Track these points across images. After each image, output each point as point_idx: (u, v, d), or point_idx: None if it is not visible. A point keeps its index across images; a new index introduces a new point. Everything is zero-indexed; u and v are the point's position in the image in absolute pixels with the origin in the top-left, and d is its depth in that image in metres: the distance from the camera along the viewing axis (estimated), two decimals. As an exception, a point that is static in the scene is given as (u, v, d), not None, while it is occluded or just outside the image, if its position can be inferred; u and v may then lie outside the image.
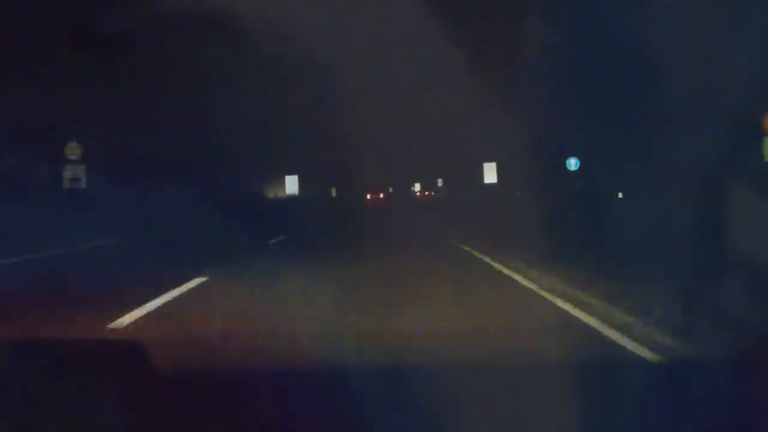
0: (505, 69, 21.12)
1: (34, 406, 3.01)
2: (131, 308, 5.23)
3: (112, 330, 4.61)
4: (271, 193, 37.99)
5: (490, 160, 37.47)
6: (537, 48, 18.65)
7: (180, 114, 21.32)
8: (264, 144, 30.34)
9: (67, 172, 18.11)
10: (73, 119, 18.05)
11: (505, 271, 7.33)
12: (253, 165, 31.06)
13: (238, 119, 25.23)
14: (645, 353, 3.78)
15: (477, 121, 35.03)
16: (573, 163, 22.99)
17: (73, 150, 18.16)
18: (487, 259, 8.46)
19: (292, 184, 39.93)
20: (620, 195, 19.32)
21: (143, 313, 5.14)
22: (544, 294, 5.76)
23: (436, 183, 56.34)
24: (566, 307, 5.16)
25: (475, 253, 9.31)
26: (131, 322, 4.82)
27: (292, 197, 38.52)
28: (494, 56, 22.26)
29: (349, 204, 39.48)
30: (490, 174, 37.73)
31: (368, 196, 53.45)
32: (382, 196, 58.57)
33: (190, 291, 6.33)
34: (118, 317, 4.93)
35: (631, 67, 14.87)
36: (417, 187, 65.25)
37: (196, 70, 22.51)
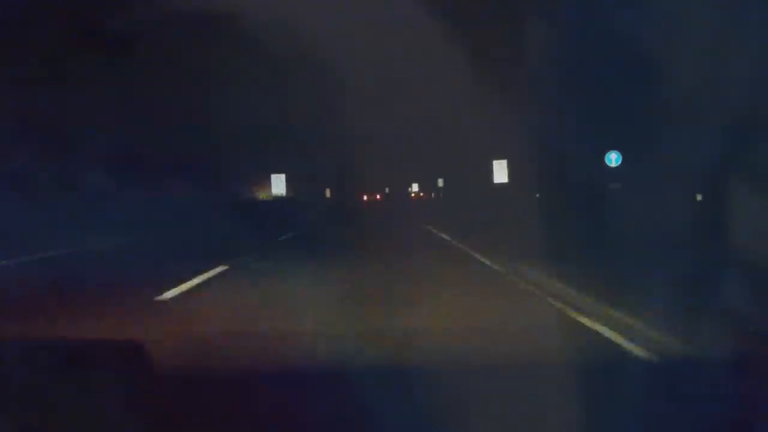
0: (510, 67, 20.80)
1: (35, 406, 3.01)
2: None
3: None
4: (251, 195, 32.76)
5: (496, 159, 33.18)
6: (541, 46, 18.36)
7: (179, 113, 21.32)
8: (264, 143, 29.71)
9: None
10: (74, 119, 18.03)
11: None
12: (245, 164, 29.68)
13: (235, 118, 25.18)
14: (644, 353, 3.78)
15: (480, 120, 33.10)
16: (614, 159, 19.35)
17: None
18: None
19: (278, 184, 34.05)
20: (699, 197, 16.32)
21: None
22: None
23: (437, 183, 55.26)
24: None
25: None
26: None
27: (278, 199, 32.82)
28: (497, 55, 21.96)
29: (348, 205, 36.11)
30: (500, 173, 33.28)
31: (365, 197, 54.19)
32: (378, 197, 59.35)
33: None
34: None
35: (637, 66, 14.68)
36: (415, 187, 62.41)
37: (195, 69, 22.48)
